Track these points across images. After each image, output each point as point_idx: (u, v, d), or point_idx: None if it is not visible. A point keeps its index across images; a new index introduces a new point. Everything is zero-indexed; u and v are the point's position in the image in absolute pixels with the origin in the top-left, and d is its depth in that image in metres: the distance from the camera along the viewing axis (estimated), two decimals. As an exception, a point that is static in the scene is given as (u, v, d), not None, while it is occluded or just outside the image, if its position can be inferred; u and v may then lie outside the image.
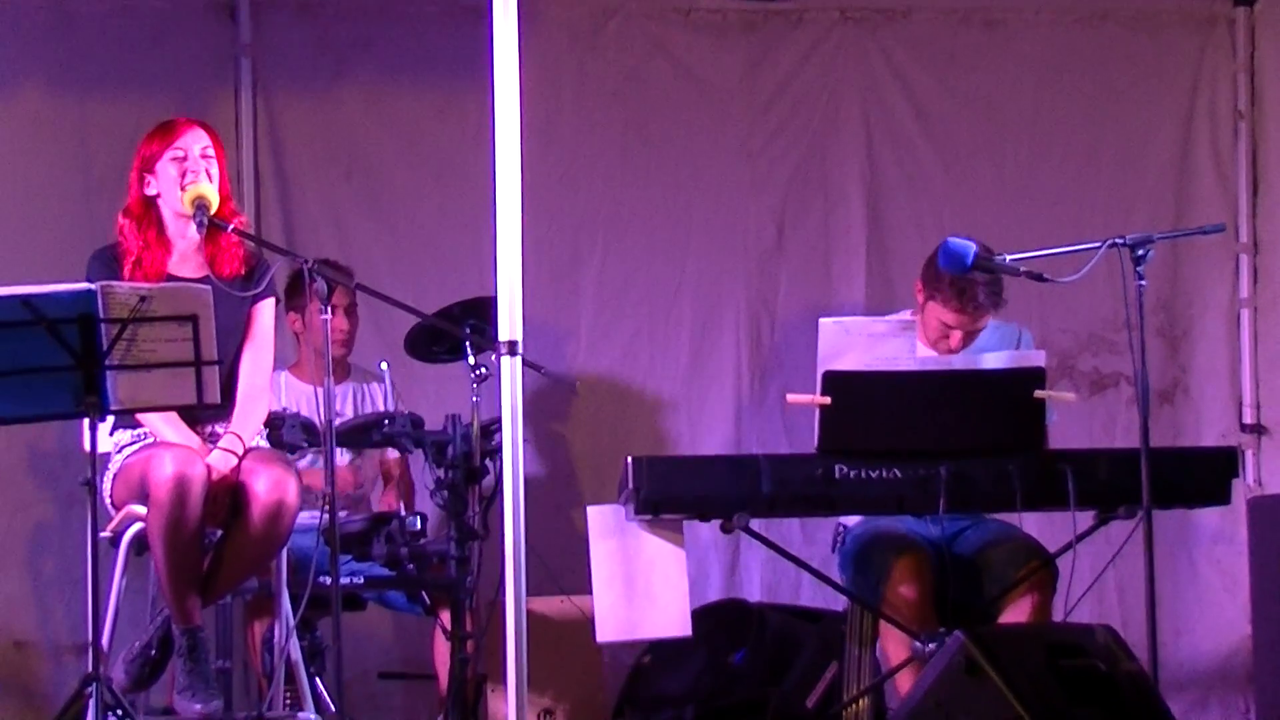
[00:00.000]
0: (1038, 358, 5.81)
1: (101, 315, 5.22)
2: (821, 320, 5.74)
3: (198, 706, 5.56)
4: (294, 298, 6.74)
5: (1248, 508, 6.99)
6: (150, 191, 5.84)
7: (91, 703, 5.29)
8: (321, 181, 7.52)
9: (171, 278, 5.77)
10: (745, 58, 7.72)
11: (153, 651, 5.68)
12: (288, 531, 5.67)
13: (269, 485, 5.59)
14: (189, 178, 5.78)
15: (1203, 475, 5.87)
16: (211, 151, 5.85)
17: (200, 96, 7.21)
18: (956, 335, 6.20)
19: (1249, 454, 7.64)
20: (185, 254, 5.86)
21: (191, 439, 5.73)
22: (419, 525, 6.34)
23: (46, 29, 7.22)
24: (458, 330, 6.31)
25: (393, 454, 6.92)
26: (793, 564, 6.26)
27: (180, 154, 5.81)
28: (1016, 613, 5.94)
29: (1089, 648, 5.27)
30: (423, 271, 7.37)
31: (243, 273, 5.88)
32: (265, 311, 5.93)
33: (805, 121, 7.75)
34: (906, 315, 6.28)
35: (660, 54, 7.69)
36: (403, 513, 6.45)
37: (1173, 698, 5.63)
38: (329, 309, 5.61)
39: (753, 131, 7.73)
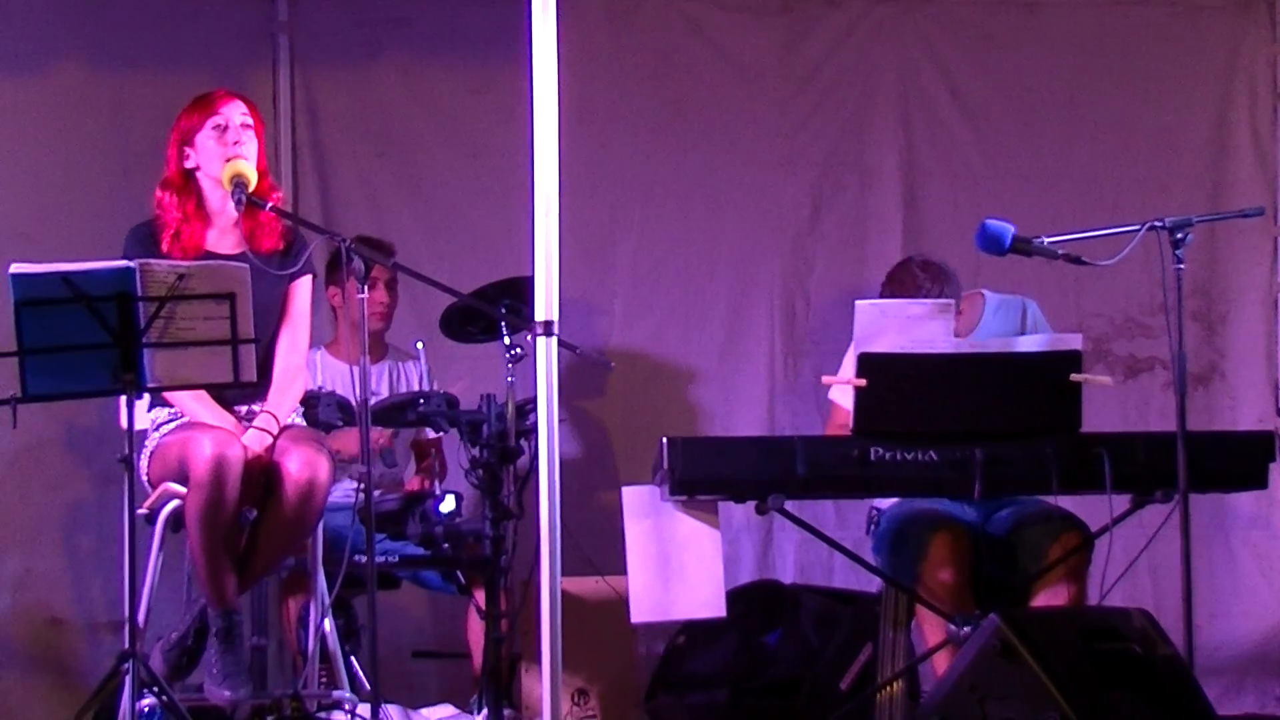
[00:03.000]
0: (1074, 341, 5.79)
1: (139, 293, 5.24)
2: (858, 302, 5.74)
3: (227, 693, 5.60)
4: (334, 272, 6.78)
5: (1285, 492, 6.98)
6: (189, 165, 5.82)
7: (127, 679, 5.30)
8: (358, 159, 7.55)
9: (209, 254, 5.77)
10: (782, 37, 7.73)
11: (189, 641, 5.71)
12: (320, 510, 5.68)
13: (301, 464, 5.59)
14: (232, 149, 5.75)
15: (1239, 459, 5.85)
16: (251, 122, 5.84)
17: (238, 73, 7.21)
18: None
19: (1286, 438, 7.63)
20: (224, 229, 5.85)
21: (224, 418, 5.74)
22: (455, 506, 6.36)
23: (85, 6, 7.27)
24: (493, 310, 6.31)
25: (429, 433, 6.93)
26: (826, 545, 6.25)
27: (221, 123, 5.80)
28: (1052, 593, 5.93)
29: (1124, 631, 5.25)
30: (458, 250, 7.40)
31: (281, 248, 5.87)
32: (303, 289, 5.93)
33: (841, 101, 7.76)
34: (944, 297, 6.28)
35: (696, 33, 7.70)
36: (437, 491, 6.46)
37: (1208, 682, 5.60)
38: (366, 286, 5.58)
39: (789, 111, 7.73)
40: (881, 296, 6.40)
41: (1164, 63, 7.79)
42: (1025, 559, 6.03)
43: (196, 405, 5.73)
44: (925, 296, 6.24)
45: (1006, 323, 6.39)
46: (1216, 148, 7.76)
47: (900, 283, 6.39)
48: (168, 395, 5.75)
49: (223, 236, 5.86)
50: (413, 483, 6.94)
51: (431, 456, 7.00)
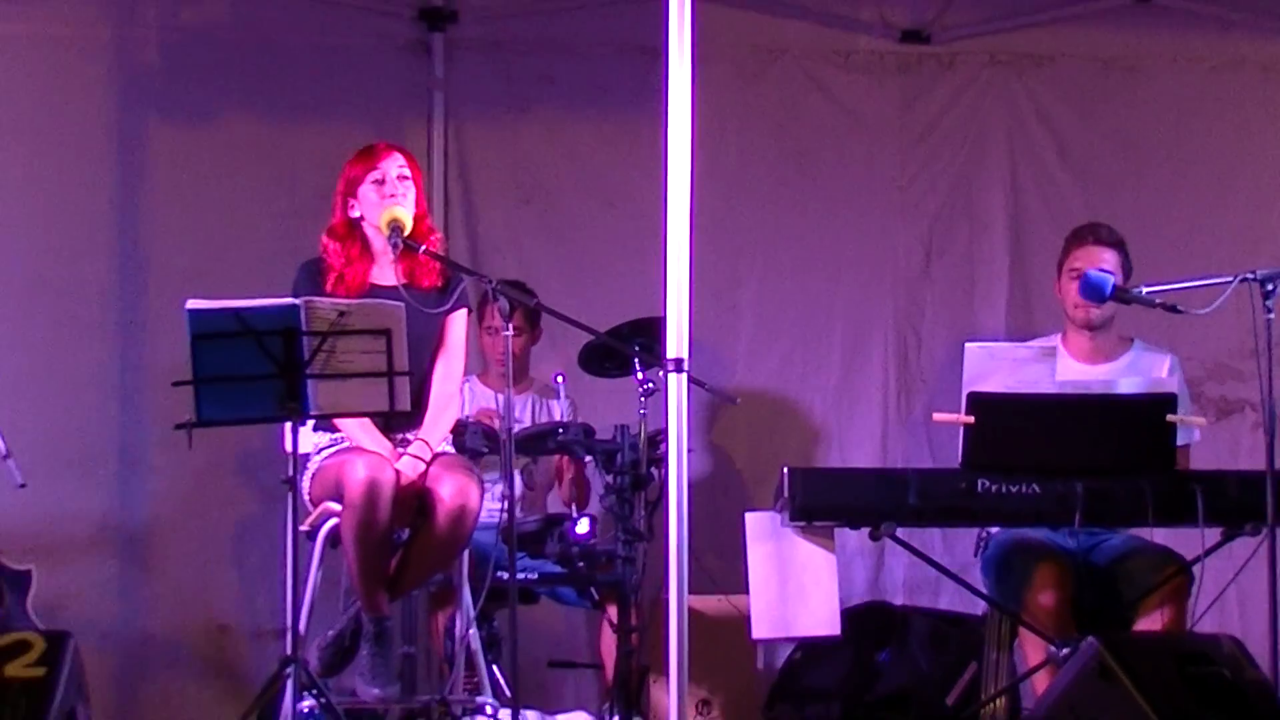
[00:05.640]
0: (1170, 384, 5.99)
1: (304, 328, 5.49)
2: (968, 345, 5.93)
3: (376, 691, 5.81)
4: (481, 310, 7.00)
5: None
6: (354, 214, 6.08)
7: (289, 683, 5.55)
8: (504, 206, 7.79)
9: (374, 286, 6.00)
10: (900, 96, 7.94)
11: (345, 641, 5.91)
12: (470, 534, 5.88)
13: (453, 491, 5.80)
14: (388, 201, 5.99)
15: (1325, 495, 5.92)
16: (408, 173, 6.07)
17: (396, 125, 7.49)
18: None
19: (1371, 477, 7.73)
20: (386, 265, 6.08)
21: (383, 444, 5.94)
22: (590, 527, 6.55)
23: (255, 62, 7.57)
24: (626, 348, 6.49)
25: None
26: (934, 569, 6.43)
27: (380, 177, 6.04)
28: (1153, 619, 6.03)
29: (1216, 657, 5.40)
30: (594, 292, 7.56)
31: (440, 285, 6.08)
32: (458, 323, 6.13)
33: (954, 155, 7.95)
34: (1048, 341, 6.47)
35: (820, 91, 7.91)
36: (574, 514, 6.66)
37: (1294, 708, 5.75)
38: (510, 326, 5.74)
39: (904, 164, 7.94)
40: (1063, 254, 6.54)
41: (1259, 122, 7.93)
42: (1127, 587, 6.14)
43: (358, 431, 5.95)
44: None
45: (1146, 367, 6.52)
46: (1309, 202, 7.85)
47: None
48: (334, 420, 5.95)
49: (385, 271, 6.08)
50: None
51: (568, 478, 7.09)
